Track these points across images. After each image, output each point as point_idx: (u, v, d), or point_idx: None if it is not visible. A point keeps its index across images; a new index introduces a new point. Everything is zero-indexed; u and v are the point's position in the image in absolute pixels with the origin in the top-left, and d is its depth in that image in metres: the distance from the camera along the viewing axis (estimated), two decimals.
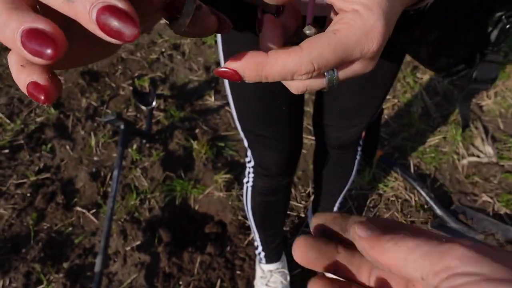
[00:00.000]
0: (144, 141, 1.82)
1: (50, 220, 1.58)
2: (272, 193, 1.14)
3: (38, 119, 1.95)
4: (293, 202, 1.64)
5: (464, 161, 1.79)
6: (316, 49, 0.28)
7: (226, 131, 1.91)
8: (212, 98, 2.05)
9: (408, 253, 0.21)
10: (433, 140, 1.87)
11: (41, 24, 0.21)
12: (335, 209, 1.42)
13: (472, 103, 0.73)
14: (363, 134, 1.15)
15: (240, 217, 1.57)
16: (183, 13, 0.25)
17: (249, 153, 1.06)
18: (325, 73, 0.31)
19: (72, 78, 2.15)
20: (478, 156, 1.80)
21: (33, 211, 1.59)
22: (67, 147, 1.83)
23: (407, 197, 1.67)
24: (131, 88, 2.08)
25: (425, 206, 1.63)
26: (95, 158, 1.79)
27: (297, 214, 1.62)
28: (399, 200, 1.66)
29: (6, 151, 1.80)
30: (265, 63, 0.29)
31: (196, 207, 1.63)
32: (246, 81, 0.30)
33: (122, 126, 1.62)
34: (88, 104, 2.02)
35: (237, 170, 1.75)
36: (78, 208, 1.61)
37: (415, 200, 1.65)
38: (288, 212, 1.61)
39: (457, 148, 1.83)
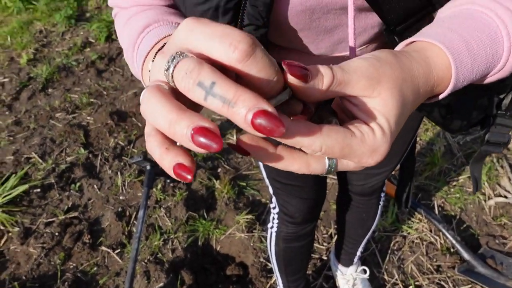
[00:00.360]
0: (168, 180, 1.87)
1: (76, 259, 1.62)
2: (296, 239, 1.15)
3: (68, 159, 2.03)
4: (315, 244, 1.63)
5: (491, 202, 1.74)
6: (332, 139, 0.31)
7: (247, 170, 1.95)
8: (234, 137, 2.10)
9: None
10: (457, 179, 1.84)
11: (208, 123, 0.26)
12: (359, 253, 1.40)
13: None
14: (386, 185, 1.16)
15: (262, 259, 1.57)
16: (277, 97, 0.30)
17: (274, 199, 1.09)
18: (326, 159, 0.34)
19: (101, 118, 2.25)
20: (505, 197, 1.76)
21: (60, 250, 1.64)
22: (95, 186, 1.90)
23: (433, 239, 1.63)
24: None
25: (452, 250, 1.59)
26: (121, 197, 1.85)
27: (319, 257, 1.60)
28: (424, 242, 1.63)
29: (38, 190, 1.88)
30: (290, 124, 0.31)
31: (218, 248, 1.64)
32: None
33: (148, 167, 1.68)
34: (115, 144, 2.10)
35: (259, 210, 1.76)
36: (104, 248, 1.65)
37: (440, 243, 1.62)
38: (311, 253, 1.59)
39: (483, 188, 1.79)
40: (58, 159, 2.04)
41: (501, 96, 0.63)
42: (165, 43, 0.40)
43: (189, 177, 0.27)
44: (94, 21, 3.14)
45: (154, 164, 1.68)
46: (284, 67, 0.29)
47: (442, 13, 0.44)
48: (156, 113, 0.27)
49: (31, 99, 2.48)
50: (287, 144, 0.32)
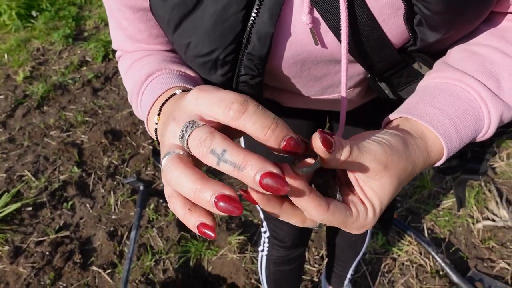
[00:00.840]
0: (161, 200, 1.87)
1: (66, 279, 1.61)
2: (286, 262, 1.17)
3: (61, 177, 2.04)
4: (306, 266, 1.64)
5: (479, 225, 1.77)
6: (334, 218, 0.35)
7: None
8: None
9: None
10: (446, 202, 1.87)
11: (229, 191, 0.30)
12: (349, 275, 1.41)
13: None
14: None
15: (253, 280, 1.57)
16: (312, 165, 0.34)
17: (264, 224, 1.11)
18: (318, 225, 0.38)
19: (95, 137, 2.27)
20: (493, 220, 1.79)
21: (51, 270, 1.63)
22: (87, 205, 1.90)
23: (422, 262, 1.65)
24: (151, 147, 2.18)
25: (441, 272, 1.60)
26: (113, 217, 1.85)
27: (310, 278, 1.61)
28: (414, 265, 1.64)
29: (29, 208, 1.88)
30: (304, 195, 0.33)
31: (210, 269, 1.64)
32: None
33: (141, 187, 1.69)
34: (109, 163, 2.11)
35: (251, 231, 1.77)
36: (94, 268, 1.64)
37: (430, 266, 1.63)
38: (302, 275, 1.60)
39: (471, 211, 1.83)
40: (51, 177, 2.04)
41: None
42: (168, 97, 0.44)
43: (212, 235, 0.31)
44: (91, 40, 3.19)
45: (147, 185, 1.69)
46: (317, 133, 0.33)
47: (428, 81, 0.48)
48: (181, 182, 0.31)
49: (26, 116, 2.49)
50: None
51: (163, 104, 0.44)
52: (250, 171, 0.29)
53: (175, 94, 0.45)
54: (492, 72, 0.45)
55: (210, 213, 0.32)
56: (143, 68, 0.55)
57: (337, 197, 0.37)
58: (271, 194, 0.32)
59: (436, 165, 0.44)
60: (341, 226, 0.36)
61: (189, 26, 0.46)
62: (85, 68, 2.92)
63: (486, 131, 0.45)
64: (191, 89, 0.46)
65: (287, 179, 0.33)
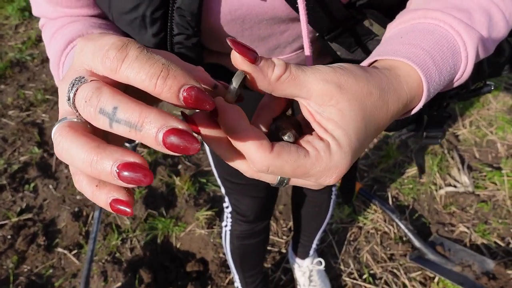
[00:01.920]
0: None
1: (31, 262, 1.58)
2: (250, 236, 1.17)
3: (21, 158, 1.96)
4: (274, 238, 1.66)
5: (442, 191, 1.83)
6: (281, 160, 0.29)
7: (208, 166, 1.94)
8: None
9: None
10: (411, 171, 1.91)
11: (133, 157, 0.24)
12: (314, 245, 1.44)
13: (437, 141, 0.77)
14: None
15: (221, 255, 1.58)
16: (233, 81, 0.30)
17: (226, 199, 1.09)
18: (278, 177, 0.33)
19: (57, 116, 2.18)
20: (455, 186, 1.85)
21: (13, 253, 1.59)
22: (50, 186, 1.84)
23: (386, 229, 1.69)
24: None
25: (404, 238, 1.66)
26: (78, 197, 1.80)
27: (278, 250, 1.63)
28: (379, 232, 1.69)
29: None
30: (240, 132, 0.30)
31: (178, 245, 1.64)
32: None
33: None
34: None
35: (219, 206, 1.77)
36: (60, 249, 1.61)
37: (394, 232, 1.68)
38: (269, 248, 1.62)
39: (434, 179, 1.87)
40: (10, 159, 1.96)
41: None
42: None
43: (129, 210, 0.26)
44: None
45: None
46: (229, 43, 0.28)
47: (391, 30, 0.44)
48: (73, 155, 0.25)
49: None
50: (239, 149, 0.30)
51: None
52: (150, 129, 0.23)
53: None
54: (461, 6, 0.41)
55: (122, 187, 0.26)
56: (65, 35, 0.50)
57: (285, 138, 0.32)
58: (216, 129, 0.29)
59: (421, 102, 0.38)
60: (302, 175, 0.30)
61: None
62: (43, 43, 2.77)
63: (465, 67, 0.41)
64: None
65: (203, 128, 0.30)
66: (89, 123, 0.27)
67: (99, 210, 1.49)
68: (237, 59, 0.29)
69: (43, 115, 2.21)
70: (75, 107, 0.26)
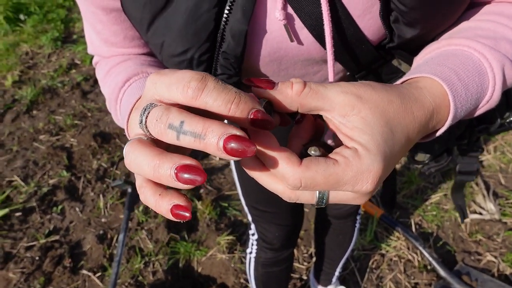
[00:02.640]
0: None
1: (56, 284, 1.61)
2: (274, 264, 1.17)
3: (51, 181, 2.04)
4: (295, 264, 1.65)
5: (467, 219, 1.79)
6: (310, 171, 0.30)
7: (230, 190, 1.97)
8: (217, 158, 2.13)
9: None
10: (434, 197, 1.88)
11: (189, 160, 0.28)
12: (337, 273, 1.43)
13: (463, 193, 0.78)
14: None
15: (242, 280, 1.58)
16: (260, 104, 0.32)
17: (252, 226, 1.11)
18: (316, 193, 0.33)
19: (85, 140, 2.26)
20: (481, 213, 1.80)
21: (41, 275, 1.63)
22: (77, 209, 1.90)
23: (410, 257, 1.66)
24: None
25: (429, 267, 1.62)
26: (103, 220, 1.85)
27: (299, 276, 1.62)
28: (402, 260, 1.66)
29: (19, 213, 1.88)
30: (272, 150, 0.32)
31: (199, 269, 1.65)
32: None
33: (129, 190, 1.69)
34: (98, 166, 2.11)
35: (240, 230, 1.78)
36: (84, 271, 1.65)
37: (418, 260, 1.65)
38: (291, 274, 1.61)
39: None
40: (40, 182, 2.04)
41: (460, 131, 0.67)
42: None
43: (187, 214, 0.29)
44: (80, 42, 3.18)
45: (135, 187, 1.69)
46: (246, 83, 0.32)
47: (418, 61, 0.46)
48: (139, 163, 0.29)
49: (15, 121, 2.49)
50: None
51: None
52: (212, 137, 0.27)
53: None
54: (485, 35, 0.43)
55: (182, 194, 0.30)
56: (120, 74, 0.54)
57: (312, 153, 0.33)
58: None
59: (450, 115, 0.38)
60: (336, 183, 0.31)
61: (161, 25, 0.46)
62: (74, 71, 2.92)
63: (493, 89, 0.41)
64: None
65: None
66: (156, 141, 0.31)
67: (123, 233, 1.52)
68: (258, 91, 0.32)
69: (72, 139, 2.30)
70: (146, 127, 0.30)
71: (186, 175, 0.27)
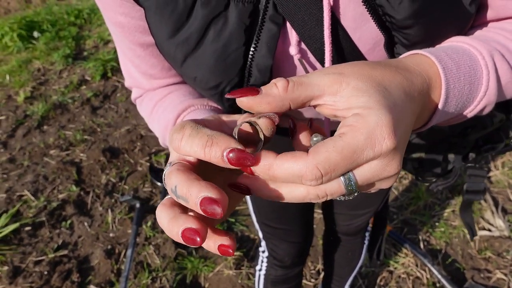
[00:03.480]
0: None
1: None
2: (284, 282, 1.18)
3: (60, 196, 2.06)
4: (303, 281, 1.64)
5: (475, 236, 1.77)
6: (321, 153, 0.28)
7: (237, 205, 1.97)
8: None
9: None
10: (442, 213, 1.87)
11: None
12: None
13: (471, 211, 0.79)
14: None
15: None
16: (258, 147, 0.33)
17: (263, 243, 1.12)
18: (341, 178, 0.30)
19: (94, 155, 2.30)
20: (490, 230, 1.79)
21: None
22: (85, 223, 1.92)
23: (419, 274, 1.65)
24: (148, 164, 2.20)
25: (438, 284, 1.60)
26: (111, 235, 1.86)
27: None
28: (411, 277, 1.64)
29: (29, 228, 1.90)
30: (272, 164, 0.30)
31: (207, 285, 1.64)
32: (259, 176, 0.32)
33: (137, 205, 1.71)
34: (107, 181, 2.14)
35: (247, 246, 1.78)
36: (92, 287, 1.65)
37: (427, 278, 1.63)
38: None
39: None
40: (50, 197, 2.07)
41: (466, 150, 0.69)
42: None
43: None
44: (91, 59, 3.25)
45: (143, 202, 1.71)
46: (228, 97, 0.32)
47: None
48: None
49: (26, 136, 2.53)
50: (284, 182, 0.31)
51: None
52: (192, 202, 0.28)
53: None
54: (475, 36, 0.44)
55: (196, 219, 0.29)
56: (167, 109, 0.55)
57: (314, 140, 0.32)
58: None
59: (443, 84, 0.37)
60: (353, 154, 0.28)
61: (193, 63, 0.48)
62: (84, 87, 2.97)
63: (488, 77, 0.40)
64: None
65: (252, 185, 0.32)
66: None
67: (131, 248, 1.53)
68: (243, 101, 0.31)
69: (81, 154, 2.34)
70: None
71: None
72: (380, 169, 0.30)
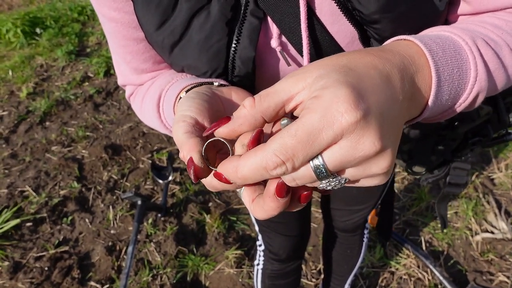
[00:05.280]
0: (159, 215, 1.89)
1: None
2: (281, 277, 1.17)
3: (61, 192, 2.06)
4: (303, 280, 1.64)
5: (478, 237, 1.76)
6: (276, 140, 0.28)
7: (238, 204, 1.97)
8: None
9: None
10: None
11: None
12: None
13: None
14: (370, 217, 1.19)
15: None
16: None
17: (260, 237, 1.12)
18: (310, 162, 0.28)
19: (96, 152, 2.29)
20: (492, 232, 1.78)
21: (49, 285, 1.64)
22: (87, 220, 1.91)
23: (420, 275, 1.64)
24: (150, 161, 2.20)
25: (439, 286, 1.59)
26: (112, 231, 1.86)
27: None
28: (412, 278, 1.63)
29: (30, 224, 1.90)
30: (238, 165, 0.30)
31: (207, 283, 1.64)
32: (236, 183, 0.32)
33: (139, 202, 1.70)
34: (109, 178, 2.13)
35: (248, 245, 1.77)
36: (93, 283, 1.65)
37: (428, 279, 1.62)
38: None
39: (469, 224, 1.82)
40: (51, 193, 2.06)
41: (455, 144, 0.69)
42: (193, 86, 0.46)
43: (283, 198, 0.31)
44: (94, 56, 3.25)
45: (145, 199, 1.71)
46: (206, 134, 0.34)
47: None
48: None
49: (28, 132, 2.53)
50: (253, 180, 0.30)
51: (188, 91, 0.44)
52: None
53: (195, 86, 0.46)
54: (456, 25, 0.43)
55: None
56: (155, 92, 0.55)
57: (282, 124, 0.31)
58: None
59: (431, 64, 0.35)
60: (311, 140, 0.27)
61: (180, 53, 0.50)
62: (87, 83, 2.97)
63: (475, 61, 0.38)
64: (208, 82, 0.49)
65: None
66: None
67: (132, 245, 1.53)
68: (219, 132, 0.33)
69: (83, 151, 2.33)
70: None
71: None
72: (351, 148, 0.27)
